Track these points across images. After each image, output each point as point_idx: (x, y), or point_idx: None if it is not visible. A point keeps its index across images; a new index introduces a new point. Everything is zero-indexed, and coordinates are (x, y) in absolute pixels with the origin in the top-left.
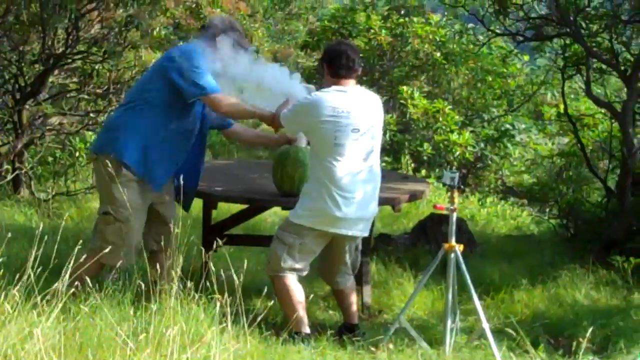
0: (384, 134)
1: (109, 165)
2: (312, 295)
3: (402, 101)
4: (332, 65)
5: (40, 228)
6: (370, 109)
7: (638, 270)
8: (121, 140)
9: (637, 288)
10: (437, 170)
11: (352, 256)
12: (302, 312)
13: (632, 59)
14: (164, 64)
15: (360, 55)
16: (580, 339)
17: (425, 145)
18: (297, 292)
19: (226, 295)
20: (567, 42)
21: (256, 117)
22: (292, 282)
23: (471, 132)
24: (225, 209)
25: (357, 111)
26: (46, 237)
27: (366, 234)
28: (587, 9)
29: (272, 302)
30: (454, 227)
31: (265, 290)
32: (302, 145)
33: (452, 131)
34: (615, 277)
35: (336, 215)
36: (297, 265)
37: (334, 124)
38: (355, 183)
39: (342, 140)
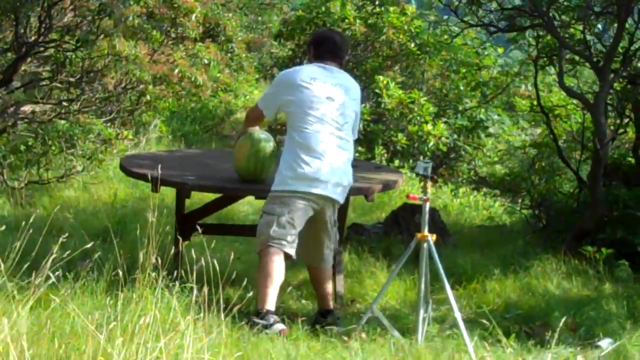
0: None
1: None
2: (289, 288)
3: (376, 91)
4: (318, 48)
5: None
6: (347, 87)
7: (609, 261)
8: None
9: (608, 278)
10: (410, 160)
11: (333, 227)
12: (272, 291)
13: (604, 51)
14: None
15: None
16: (552, 328)
17: (400, 135)
18: (278, 271)
19: (200, 284)
20: (540, 33)
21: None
22: (278, 260)
23: (445, 122)
24: (199, 198)
25: (333, 83)
26: (21, 226)
27: (342, 201)
28: (560, 0)
29: (248, 292)
30: (426, 217)
31: (243, 281)
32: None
33: (426, 122)
34: (586, 268)
35: (313, 176)
36: (288, 238)
37: (310, 91)
38: (330, 148)
39: (317, 105)
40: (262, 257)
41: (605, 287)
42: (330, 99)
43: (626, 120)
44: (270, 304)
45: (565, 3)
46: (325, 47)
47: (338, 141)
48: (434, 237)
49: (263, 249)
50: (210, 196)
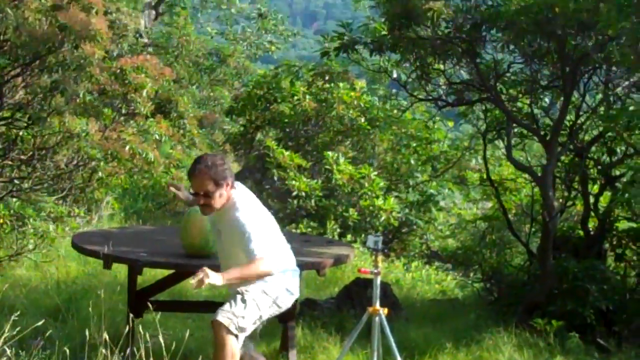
0: (310, 199)
1: None
2: None
3: (327, 166)
4: (229, 180)
5: None
6: None
7: (560, 333)
8: None
9: (559, 350)
10: (362, 235)
11: None
12: None
13: (551, 124)
14: None
15: (286, 121)
16: None
17: (351, 210)
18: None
19: None
20: (488, 107)
21: None
22: (236, 345)
23: (396, 197)
24: (152, 275)
25: None
26: None
27: None
28: (507, 74)
29: None
30: (377, 291)
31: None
32: None
33: (377, 196)
34: (537, 340)
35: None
36: (249, 331)
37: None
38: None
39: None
40: (222, 332)
41: (556, 359)
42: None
43: (574, 193)
44: None
45: (513, 77)
46: (230, 174)
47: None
48: (386, 310)
49: (226, 330)
50: (164, 272)
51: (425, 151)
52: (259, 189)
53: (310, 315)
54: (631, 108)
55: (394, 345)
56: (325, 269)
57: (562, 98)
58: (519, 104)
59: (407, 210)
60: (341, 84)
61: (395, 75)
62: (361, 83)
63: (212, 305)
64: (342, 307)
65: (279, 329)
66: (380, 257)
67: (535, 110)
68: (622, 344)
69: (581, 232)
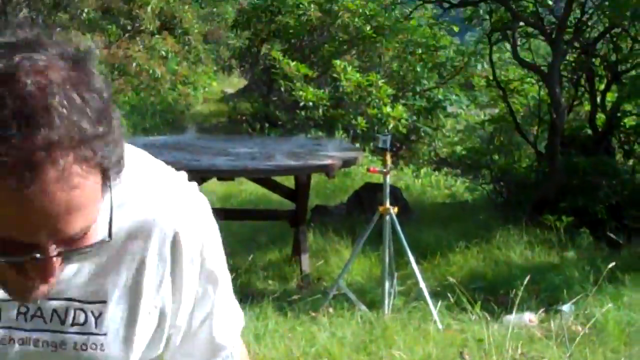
0: (317, 109)
1: None
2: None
3: (334, 75)
4: None
5: None
6: None
7: (570, 229)
8: None
9: (569, 246)
10: (371, 144)
11: None
12: None
13: (556, 22)
14: None
15: (291, 32)
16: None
17: (359, 119)
18: None
19: None
20: (493, 7)
21: None
22: None
23: (403, 105)
24: None
25: None
26: None
27: None
28: None
29: None
30: (387, 189)
31: None
32: None
33: (385, 104)
34: (548, 236)
35: None
36: None
37: None
38: None
39: None
40: None
41: (568, 254)
42: None
43: (581, 91)
44: None
45: None
46: None
47: None
48: (396, 209)
49: None
50: None
51: (432, 58)
52: (266, 101)
53: (321, 221)
54: None
55: (404, 242)
56: (334, 171)
57: None
58: (524, 3)
59: (414, 118)
60: None
61: None
62: None
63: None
64: (352, 212)
65: (290, 234)
66: (388, 156)
67: (540, 10)
68: (632, 237)
69: (589, 130)
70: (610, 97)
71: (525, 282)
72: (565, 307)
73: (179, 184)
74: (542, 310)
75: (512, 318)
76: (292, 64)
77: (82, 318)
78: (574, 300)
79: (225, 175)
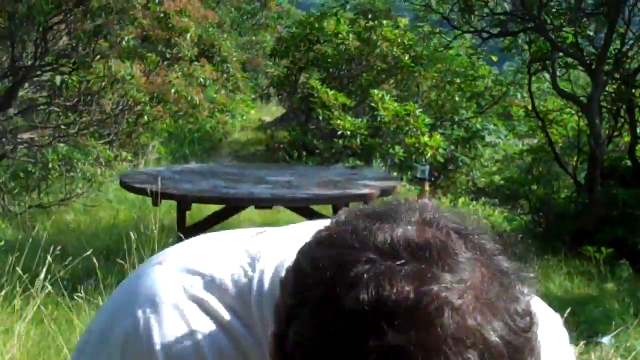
0: (355, 138)
1: None
2: None
3: (372, 105)
4: None
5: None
6: None
7: (610, 260)
8: None
9: (609, 277)
10: (409, 173)
11: None
12: None
13: (596, 53)
14: None
15: (329, 61)
16: None
17: (397, 148)
18: None
19: None
20: (532, 37)
21: None
22: None
23: (441, 134)
24: (198, 212)
25: None
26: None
27: None
28: (551, 3)
29: None
30: None
31: None
32: None
33: (423, 134)
34: (588, 268)
35: None
36: None
37: None
38: None
39: None
40: None
41: (607, 285)
42: None
43: (621, 122)
44: None
45: (556, 7)
46: None
47: None
48: None
49: None
50: (211, 209)
51: (470, 88)
52: (304, 130)
53: None
54: None
55: None
56: (372, 201)
57: (606, 26)
58: (564, 34)
59: (452, 147)
60: (385, 22)
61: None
62: (404, 21)
63: None
64: None
65: None
66: (427, 185)
67: (580, 40)
68: None
69: (629, 162)
70: None
71: (565, 315)
72: (606, 340)
73: None
74: (582, 342)
75: None
76: (331, 93)
77: None
78: (614, 332)
79: (264, 204)
